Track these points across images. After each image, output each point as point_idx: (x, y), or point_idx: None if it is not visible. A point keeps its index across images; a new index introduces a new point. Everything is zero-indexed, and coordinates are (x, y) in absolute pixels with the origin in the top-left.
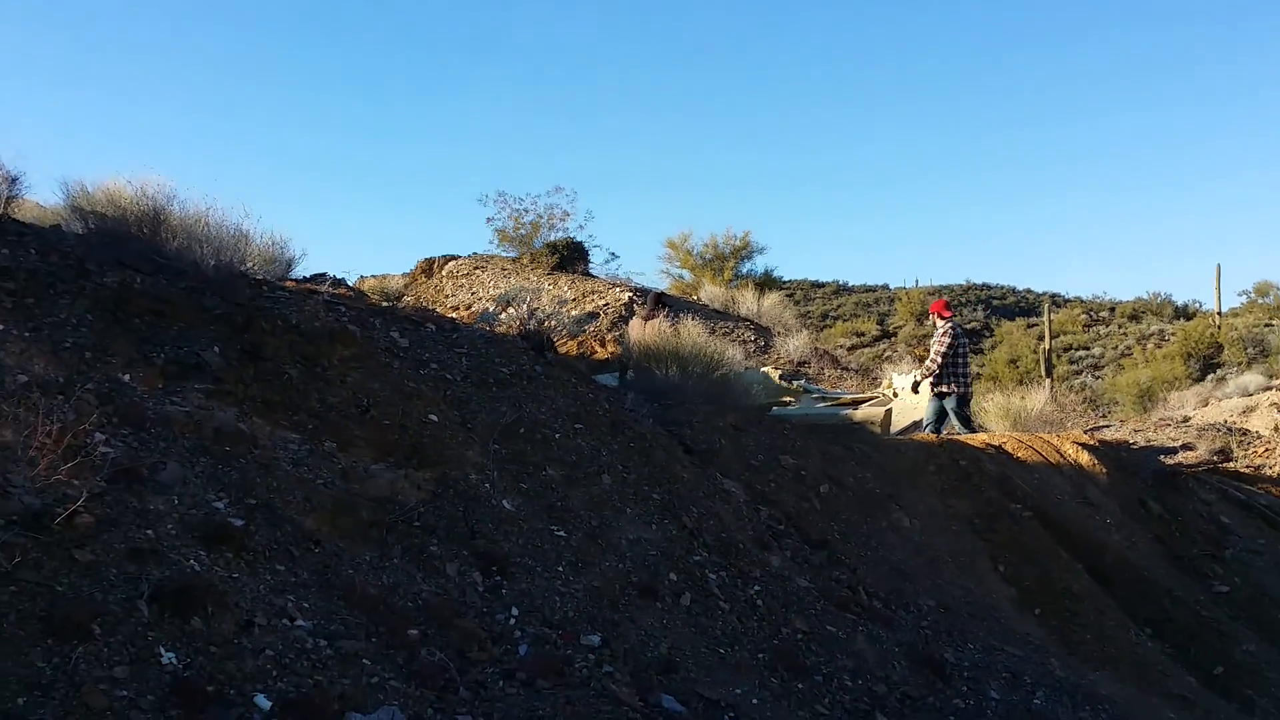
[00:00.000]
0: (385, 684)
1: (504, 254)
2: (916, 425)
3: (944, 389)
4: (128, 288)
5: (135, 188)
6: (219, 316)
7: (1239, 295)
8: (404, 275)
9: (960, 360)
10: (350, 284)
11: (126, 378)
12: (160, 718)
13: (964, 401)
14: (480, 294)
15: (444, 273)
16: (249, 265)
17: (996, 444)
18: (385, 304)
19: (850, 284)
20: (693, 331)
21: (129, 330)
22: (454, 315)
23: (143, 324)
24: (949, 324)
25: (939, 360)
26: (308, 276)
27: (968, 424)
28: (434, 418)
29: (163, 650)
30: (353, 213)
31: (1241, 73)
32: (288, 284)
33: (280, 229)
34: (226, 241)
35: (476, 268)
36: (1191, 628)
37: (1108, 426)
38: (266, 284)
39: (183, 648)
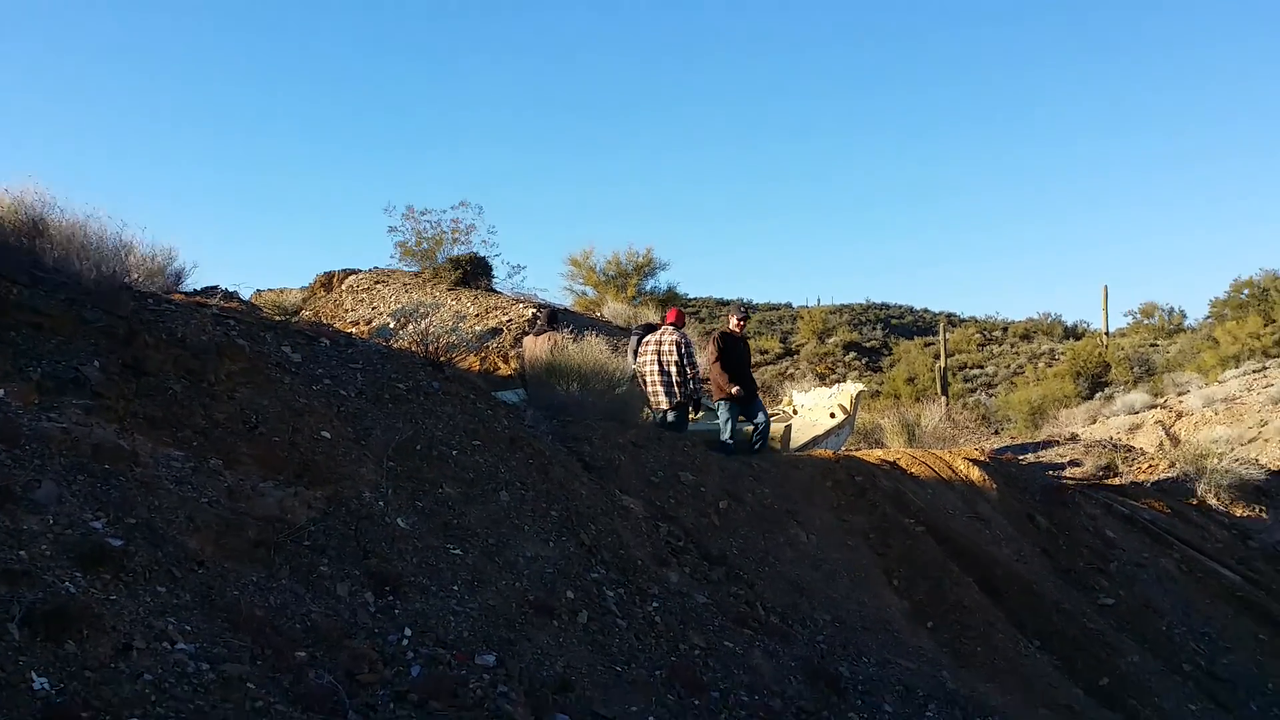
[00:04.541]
0: (271, 708)
1: (406, 268)
2: (815, 442)
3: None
4: (3, 300)
5: (13, 196)
6: (100, 330)
7: (1125, 316)
8: (302, 289)
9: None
10: (244, 298)
11: (1, 393)
12: None
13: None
14: (381, 309)
15: (344, 287)
16: (133, 277)
17: (891, 460)
18: (279, 318)
19: (754, 302)
20: (593, 348)
21: (4, 344)
22: (353, 331)
23: (19, 337)
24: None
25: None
26: (198, 289)
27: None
28: (326, 434)
29: (34, 675)
30: (251, 225)
31: (1131, 108)
32: (175, 297)
33: (168, 240)
34: (108, 252)
35: (378, 282)
36: (1078, 640)
37: (1021, 450)
38: (152, 297)
39: (56, 673)
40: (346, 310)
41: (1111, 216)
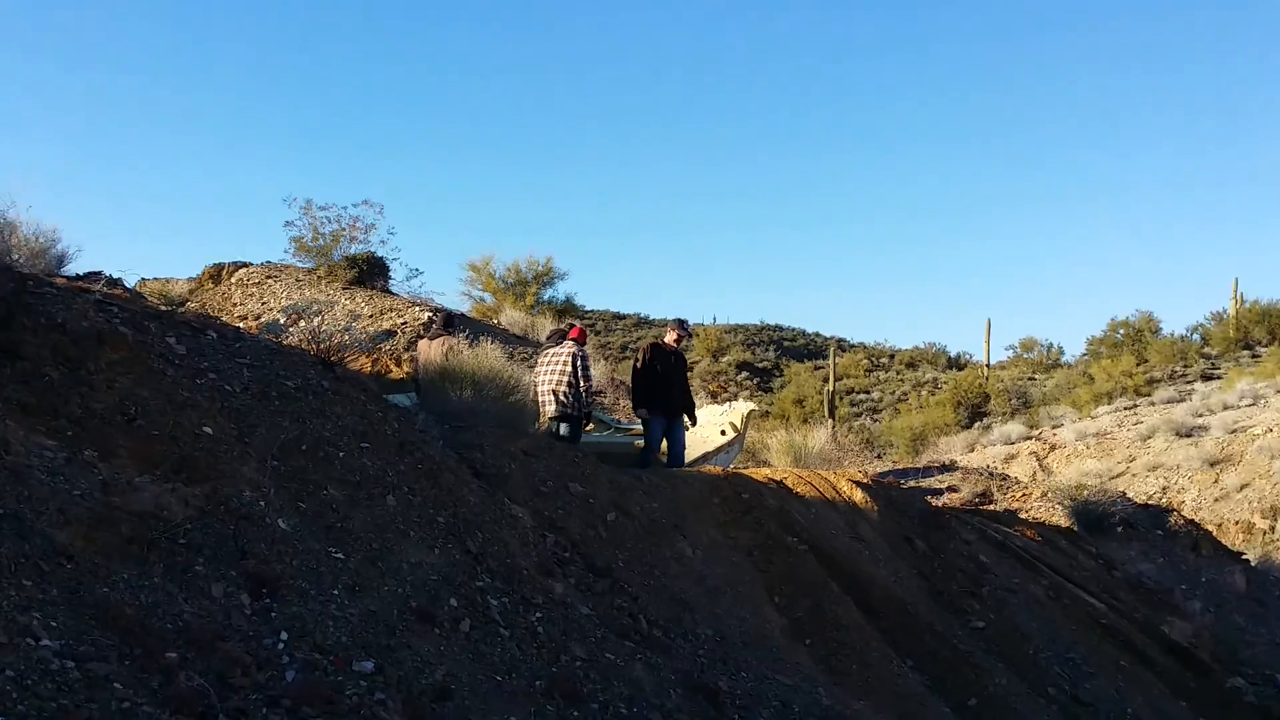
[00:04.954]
0: (137, 709)
1: (300, 264)
2: (705, 458)
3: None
4: None
5: None
6: None
7: (1006, 349)
8: (190, 280)
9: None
10: (129, 285)
11: None
12: None
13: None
14: (271, 304)
15: (233, 280)
16: (14, 257)
17: (778, 479)
18: (164, 308)
19: (650, 317)
20: (489, 354)
21: None
22: (241, 325)
23: None
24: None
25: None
26: (81, 274)
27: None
28: (208, 430)
29: None
30: (137, 212)
31: (1019, 145)
32: (57, 280)
33: (52, 221)
34: None
35: (269, 277)
36: (949, 661)
37: (902, 474)
38: (32, 279)
39: None
40: (235, 304)
41: (996, 251)
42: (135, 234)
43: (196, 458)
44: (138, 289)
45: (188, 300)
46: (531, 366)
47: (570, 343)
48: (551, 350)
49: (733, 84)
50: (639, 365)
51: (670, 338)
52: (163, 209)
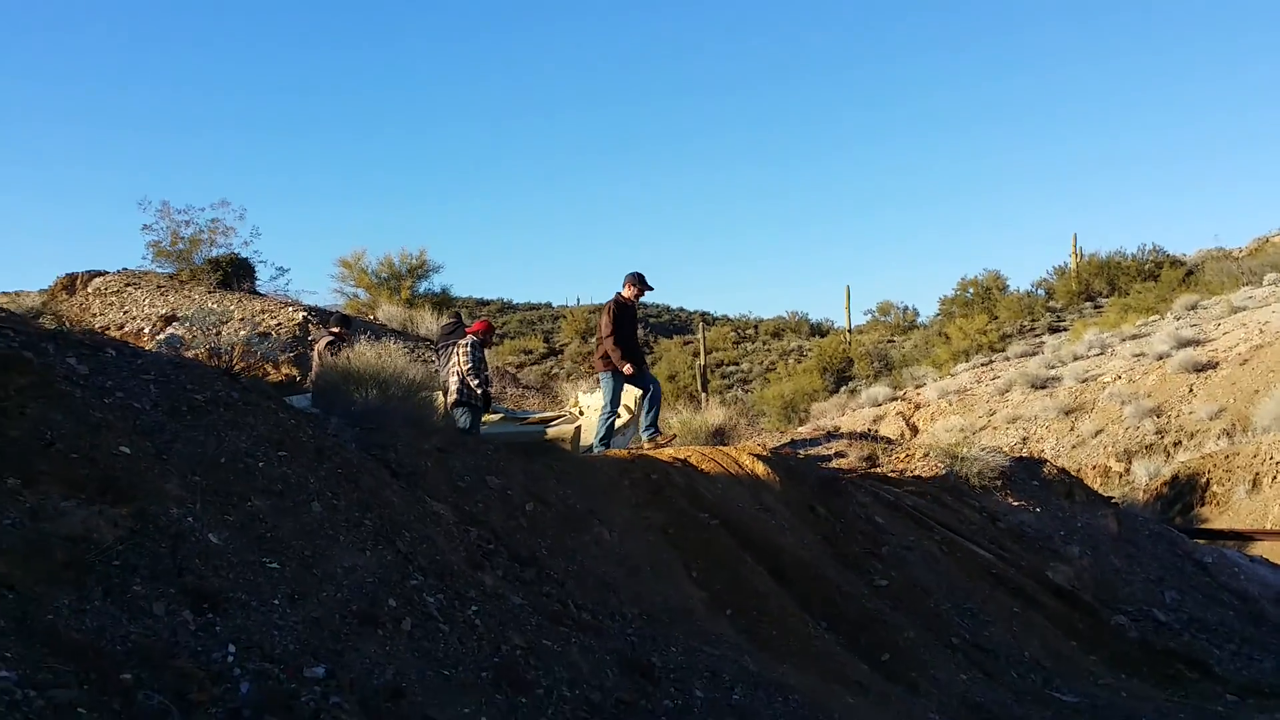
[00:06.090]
0: None
1: (160, 270)
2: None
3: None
4: None
5: None
6: None
7: (865, 314)
8: (42, 292)
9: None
10: None
11: None
12: None
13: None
14: (134, 313)
15: (90, 290)
16: None
17: (682, 458)
18: (53, 327)
19: (515, 302)
20: (394, 354)
21: None
22: (111, 335)
23: None
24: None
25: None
26: None
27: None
28: (125, 449)
29: None
30: None
31: (867, 122)
32: None
33: None
34: None
35: (128, 284)
36: (860, 619)
37: (794, 444)
38: None
39: None
40: (94, 315)
41: (852, 219)
42: None
43: (118, 478)
44: None
45: (43, 313)
46: (423, 360)
47: (471, 335)
48: (454, 342)
49: (580, 69)
50: (613, 325)
51: (629, 292)
52: None
